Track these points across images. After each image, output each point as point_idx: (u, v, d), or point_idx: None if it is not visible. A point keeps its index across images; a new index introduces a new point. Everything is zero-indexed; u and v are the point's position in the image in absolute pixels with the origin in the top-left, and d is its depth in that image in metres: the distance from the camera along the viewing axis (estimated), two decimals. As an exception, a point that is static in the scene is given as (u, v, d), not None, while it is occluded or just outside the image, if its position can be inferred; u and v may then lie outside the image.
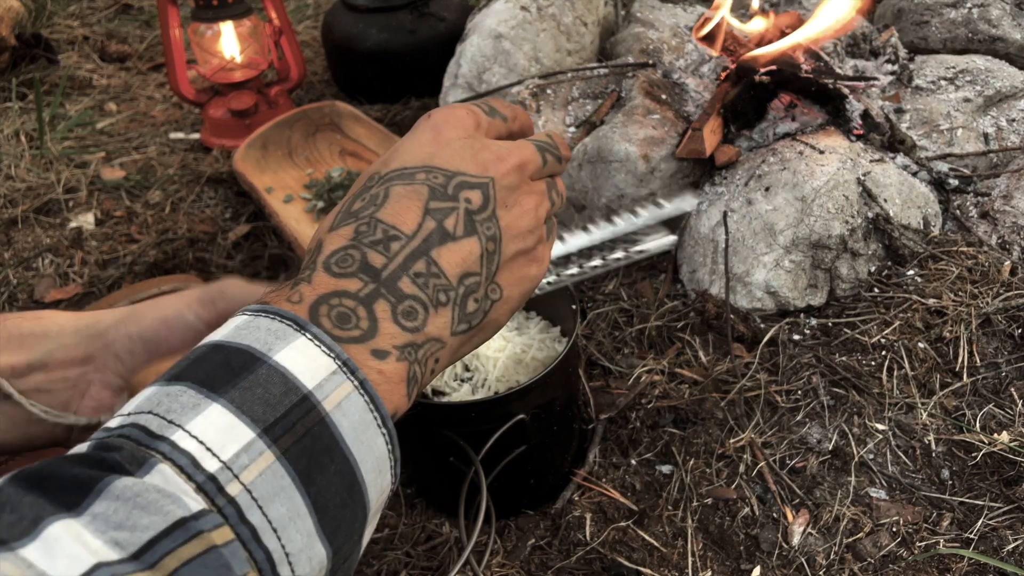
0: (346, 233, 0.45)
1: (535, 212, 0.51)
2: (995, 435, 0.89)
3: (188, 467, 0.34)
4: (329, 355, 0.39)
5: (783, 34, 1.27)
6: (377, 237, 0.45)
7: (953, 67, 1.31)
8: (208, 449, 0.34)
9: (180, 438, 0.34)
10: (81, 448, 0.35)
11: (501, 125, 0.54)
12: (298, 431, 0.36)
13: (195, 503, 0.33)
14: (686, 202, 0.70)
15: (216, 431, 0.35)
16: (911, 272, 1.07)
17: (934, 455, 0.89)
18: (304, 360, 0.38)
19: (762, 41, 1.23)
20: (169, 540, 0.31)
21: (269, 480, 0.35)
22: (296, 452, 0.36)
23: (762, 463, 0.89)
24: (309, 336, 0.39)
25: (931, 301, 1.02)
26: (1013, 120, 1.26)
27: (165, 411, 0.35)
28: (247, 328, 0.39)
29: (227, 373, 0.37)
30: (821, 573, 0.80)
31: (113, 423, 0.36)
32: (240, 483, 0.34)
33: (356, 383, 0.39)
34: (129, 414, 0.36)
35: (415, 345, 0.44)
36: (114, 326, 0.54)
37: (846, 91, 1.20)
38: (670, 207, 0.69)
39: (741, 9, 1.48)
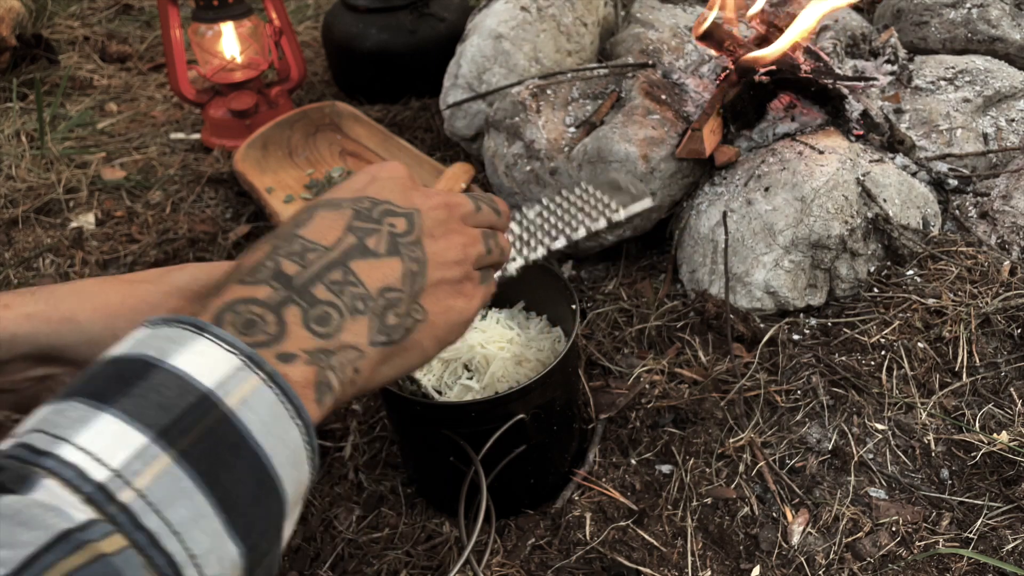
0: (264, 250, 0.45)
1: (464, 249, 0.52)
2: (994, 435, 0.89)
3: (74, 479, 0.33)
4: (232, 352, 0.38)
5: (780, 32, 1.27)
6: (294, 249, 0.45)
7: (952, 67, 1.31)
8: (96, 459, 0.33)
9: (66, 452, 0.33)
10: None
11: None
12: (198, 431, 0.36)
13: (81, 514, 0.32)
14: (641, 203, 0.71)
15: (105, 440, 0.34)
16: (911, 272, 1.07)
17: (933, 455, 0.89)
18: (203, 360, 0.38)
19: (762, 42, 1.23)
20: (51, 554, 0.30)
21: (167, 483, 0.34)
22: (196, 453, 0.35)
23: (762, 463, 0.90)
24: (209, 336, 0.38)
25: (931, 301, 1.02)
26: (1012, 120, 1.26)
27: (51, 427, 0.34)
28: (145, 339, 0.39)
29: (119, 383, 0.36)
30: (821, 573, 0.80)
31: (3, 446, 0.35)
32: (133, 489, 0.33)
33: (264, 376, 0.38)
34: (19, 435, 0.35)
35: (327, 351, 0.43)
36: (99, 332, 0.52)
37: (846, 91, 1.20)
38: (624, 213, 0.69)
39: (741, 10, 1.49)
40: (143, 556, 0.32)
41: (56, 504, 0.32)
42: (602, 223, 0.68)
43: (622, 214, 0.69)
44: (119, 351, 0.38)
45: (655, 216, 1.19)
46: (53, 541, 0.30)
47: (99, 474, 0.33)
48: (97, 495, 0.32)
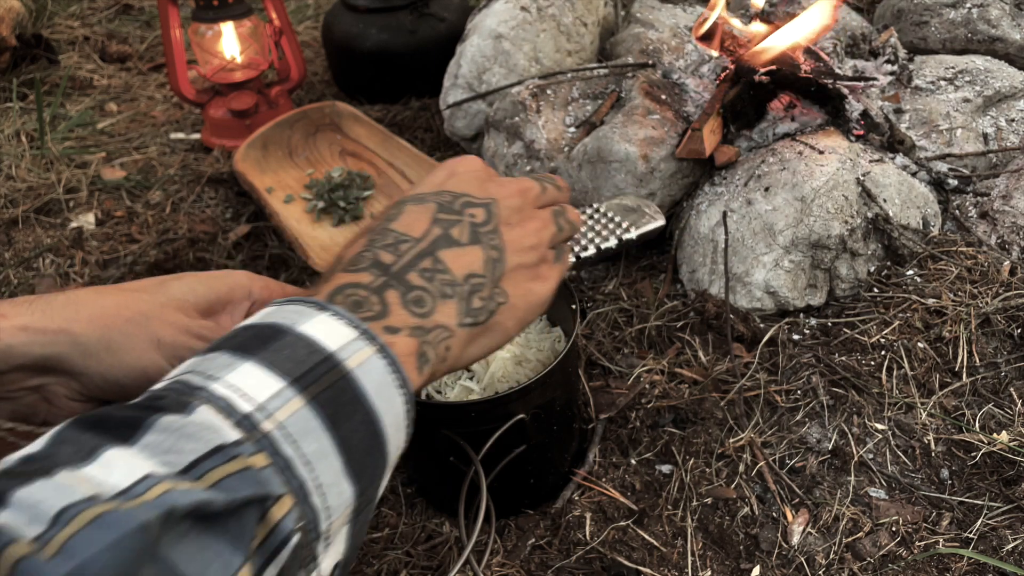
0: (361, 243, 0.51)
1: (538, 234, 0.56)
2: (994, 435, 0.89)
3: (225, 408, 0.38)
4: (350, 326, 0.44)
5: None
6: (388, 241, 0.50)
7: (952, 67, 1.31)
8: (243, 394, 0.39)
9: (217, 387, 0.39)
10: (133, 400, 0.39)
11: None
12: (324, 383, 0.41)
13: (233, 434, 0.37)
14: (653, 224, 0.72)
15: (249, 382, 0.39)
16: (910, 272, 1.07)
17: (933, 455, 0.89)
18: (326, 329, 0.43)
19: (761, 41, 1.23)
20: (211, 460, 0.35)
21: (300, 421, 0.39)
22: (323, 399, 0.40)
23: (762, 463, 0.90)
24: (331, 312, 0.44)
25: (931, 301, 1.02)
26: (1012, 120, 1.26)
27: (203, 369, 0.40)
28: (275, 312, 0.44)
29: (257, 341, 0.42)
30: (821, 573, 0.80)
31: (158, 385, 0.40)
32: (273, 421, 0.38)
33: (376, 348, 0.44)
34: (172, 377, 0.41)
35: (424, 328, 0.48)
36: (94, 344, 0.52)
37: (846, 91, 1.20)
38: (635, 232, 0.71)
39: (741, 9, 1.49)
40: (282, 475, 0.37)
41: (212, 424, 0.37)
42: (613, 242, 0.70)
43: (634, 234, 0.71)
44: (251, 321, 0.44)
45: (655, 216, 1.19)
46: (211, 451, 0.36)
47: (246, 406, 0.38)
48: (244, 422, 0.38)
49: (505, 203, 0.55)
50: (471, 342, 0.52)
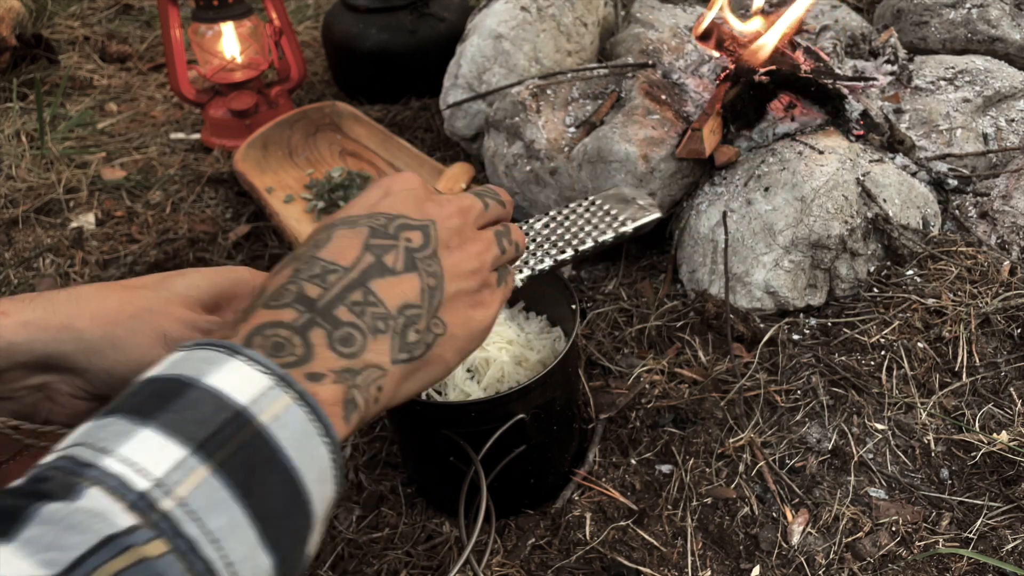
0: (285, 273, 0.46)
1: (479, 256, 0.53)
2: (994, 435, 0.89)
3: (118, 487, 0.34)
4: (264, 372, 0.40)
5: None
6: (315, 272, 0.46)
7: (952, 67, 1.31)
8: (138, 469, 0.35)
9: (109, 463, 0.35)
10: (15, 483, 0.35)
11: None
12: (233, 445, 0.37)
13: (125, 520, 0.33)
14: (650, 216, 0.71)
15: (146, 452, 0.35)
16: (910, 272, 1.07)
17: (933, 455, 0.89)
18: (237, 379, 0.39)
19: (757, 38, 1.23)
20: (97, 556, 0.32)
21: (205, 493, 0.35)
22: (232, 465, 0.36)
23: (762, 463, 0.90)
24: (243, 358, 0.40)
25: (930, 301, 1.02)
26: (1012, 120, 1.26)
27: (95, 440, 0.36)
28: (180, 361, 0.40)
29: (157, 400, 0.38)
30: (820, 572, 0.80)
31: (47, 459, 0.36)
32: (173, 498, 0.34)
33: (295, 394, 0.40)
34: (61, 449, 0.36)
35: (352, 371, 0.44)
36: (98, 341, 0.52)
37: (846, 91, 1.20)
38: (632, 226, 0.70)
39: (742, 9, 1.49)
40: (183, 561, 0.34)
41: (101, 510, 0.33)
42: (610, 236, 0.69)
43: (630, 227, 0.69)
44: (155, 372, 0.40)
45: (655, 216, 1.19)
46: (99, 544, 0.32)
47: (141, 483, 0.34)
48: (140, 503, 0.34)
49: (444, 224, 0.52)
50: (407, 378, 0.49)
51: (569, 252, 0.67)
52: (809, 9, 1.20)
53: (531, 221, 0.69)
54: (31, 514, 0.32)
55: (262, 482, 0.37)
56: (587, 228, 0.69)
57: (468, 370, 0.88)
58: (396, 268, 0.48)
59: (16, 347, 0.49)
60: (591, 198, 0.72)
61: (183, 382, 0.39)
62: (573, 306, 0.85)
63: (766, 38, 1.15)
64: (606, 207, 0.71)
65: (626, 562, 0.82)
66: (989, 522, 0.82)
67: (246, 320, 0.44)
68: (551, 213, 0.70)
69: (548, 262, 0.66)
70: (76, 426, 0.53)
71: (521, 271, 0.65)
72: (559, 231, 0.69)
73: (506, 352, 0.87)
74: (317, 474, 0.40)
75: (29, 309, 0.50)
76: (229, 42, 1.60)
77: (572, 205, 0.71)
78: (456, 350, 0.51)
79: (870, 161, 1.13)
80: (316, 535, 0.41)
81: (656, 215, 0.71)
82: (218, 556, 0.35)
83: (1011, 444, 0.88)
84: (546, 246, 0.68)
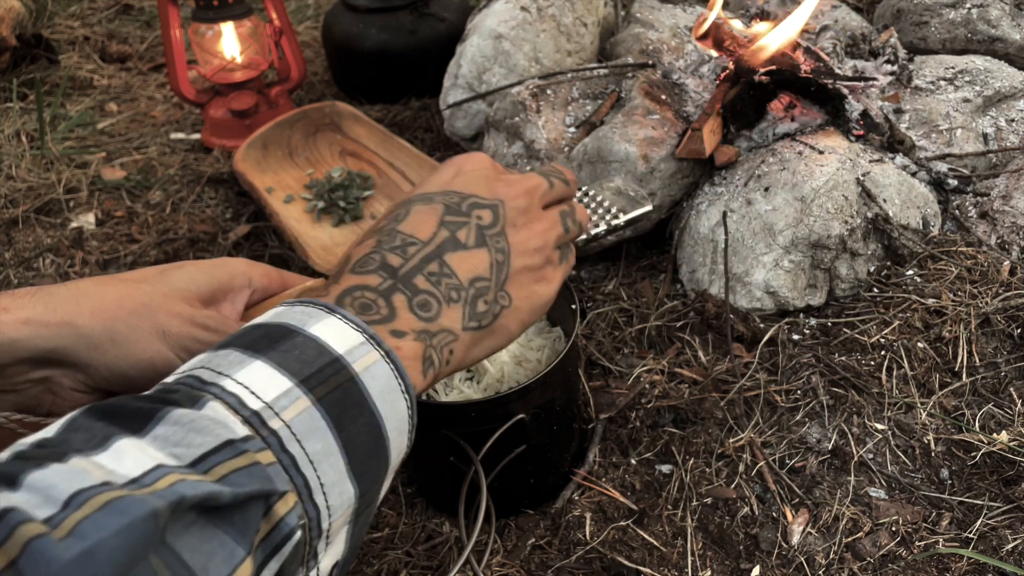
0: (369, 243, 0.51)
1: (543, 235, 0.56)
2: (994, 435, 0.89)
3: (235, 404, 0.39)
4: (357, 330, 0.44)
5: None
6: (396, 244, 0.51)
7: (952, 67, 1.31)
8: (252, 392, 0.39)
9: (228, 384, 0.40)
10: (146, 392, 0.40)
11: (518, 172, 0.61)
12: (331, 384, 0.41)
13: (242, 430, 0.38)
14: (641, 209, 0.71)
15: (259, 380, 0.40)
16: (910, 272, 1.07)
17: (933, 455, 0.89)
18: (335, 333, 0.44)
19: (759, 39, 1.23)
20: (219, 455, 0.36)
21: (306, 420, 0.40)
22: (329, 401, 0.41)
23: (762, 463, 0.90)
24: (339, 316, 0.45)
25: (930, 301, 1.02)
26: (1012, 120, 1.26)
27: (215, 366, 0.41)
28: (284, 313, 0.45)
29: (268, 340, 0.43)
30: (820, 572, 0.80)
31: (169, 379, 0.41)
32: (281, 419, 0.39)
33: (382, 353, 0.44)
34: (184, 371, 0.41)
35: (429, 332, 0.49)
36: (98, 336, 0.52)
37: (845, 91, 1.20)
38: (624, 218, 0.70)
39: (742, 9, 1.49)
40: (287, 473, 0.38)
41: (222, 419, 0.38)
42: (602, 228, 0.69)
43: (622, 219, 0.70)
44: (262, 320, 0.45)
45: (655, 216, 1.19)
46: (220, 446, 0.36)
47: (254, 403, 0.39)
48: (253, 419, 0.39)
49: (512, 204, 0.55)
50: (475, 345, 0.53)
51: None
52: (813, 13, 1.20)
53: None
54: (162, 416, 0.37)
55: (353, 420, 0.42)
56: None
57: (468, 371, 0.88)
58: (468, 243, 0.52)
59: (18, 343, 0.50)
60: (584, 188, 0.72)
61: (289, 328, 0.43)
62: (573, 306, 0.85)
63: (768, 40, 1.15)
64: (599, 198, 0.71)
65: (626, 562, 0.82)
66: (989, 522, 0.82)
67: (337, 282, 0.49)
68: None
69: None
70: None
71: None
72: None
73: (506, 352, 0.87)
74: (396, 423, 0.44)
75: (30, 305, 0.51)
76: (229, 42, 1.60)
77: (585, 211, 0.71)
78: (519, 321, 0.55)
79: (870, 161, 1.13)
80: (388, 481, 0.45)
81: (647, 208, 0.71)
82: (314, 475, 0.39)
83: (1011, 444, 0.88)
84: None
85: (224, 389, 0.39)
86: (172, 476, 0.34)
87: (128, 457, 0.34)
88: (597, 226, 0.69)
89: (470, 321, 0.51)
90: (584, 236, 0.68)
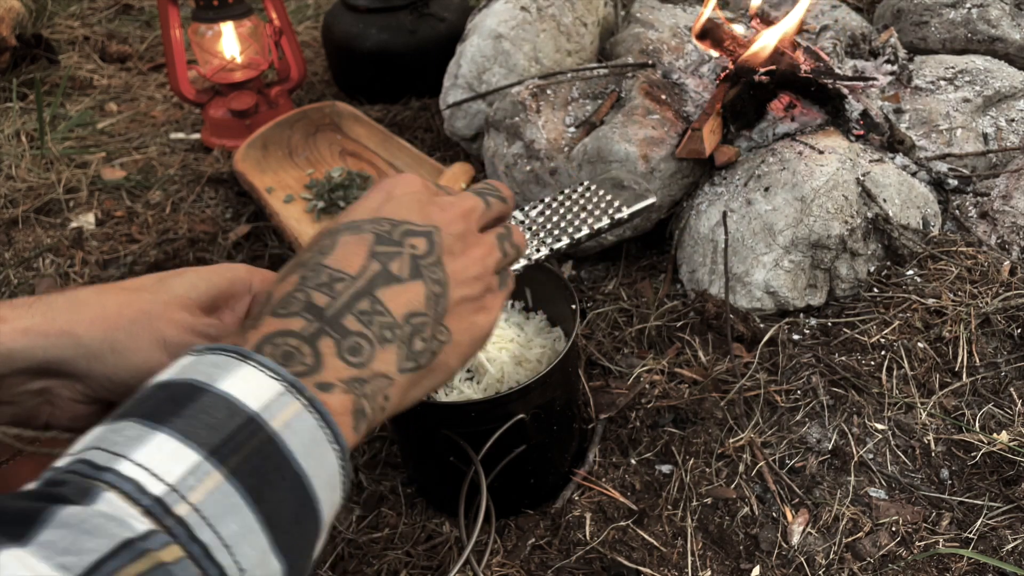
0: (292, 280, 0.46)
1: (482, 261, 0.53)
2: (994, 435, 0.89)
3: (133, 492, 0.34)
4: (275, 378, 0.40)
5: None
6: (322, 280, 0.46)
7: (952, 67, 1.31)
8: (153, 474, 0.35)
9: (125, 467, 0.35)
10: (30, 486, 0.35)
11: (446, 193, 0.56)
12: (245, 451, 0.37)
13: (142, 525, 0.33)
14: (645, 201, 0.70)
15: (161, 457, 0.36)
16: (910, 272, 1.07)
17: (933, 455, 0.89)
18: (248, 386, 0.39)
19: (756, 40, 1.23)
20: (115, 560, 0.32)
21: (218, 499, 0.36)
22: (245, 471, 0.37)
23: (762, 463, 0.90)
24: (254, 363, 0.40)
25: (930, 301, 1.02)
26: (1012, 120, 1.26)
27: (110, 445, 0.36)
28: (192, 365, 0.40)
29: (171, 405, 0.38)
30: (820, 573, 0.80)
31: (60, 463, 0.36)
32: (188, 503, 0.35)
33: (304, 402, 0.40)
34: (76, 452, 0.37)
35: (361, 380, 0.44)
36: (98, 346, 0.51)
37: (846, 91, 1.20)
38: (627, 211, 0.69)
39: (741, 9, 1.49)
40: (197, 567, 0.34)
41: (118, 515, 0.33)
42: (605, 222, 0.68)
43: (625, 212, 0.69)
44: (166, 376, 0.40)
45: (655, 216, 1.19)
46: (116, 548, 0.32)
47: (156, 488, 0.35)
48: (155, 508, 0.34)
49: (448, 230, 0.51)
50: (412, 386, 0.49)
51: (565, 240, 0.67)
52: (809, 10, 1.20)
53: (526, 208, 0.69)
54: (48, 517, 0.32)
55: (273, 488, 0.38)
56: (582, 215, 0.68)
57: (468, 371, 0.88)
58: (402, 276, 0.48)
59: (15, 353, 0.49)
60: (586, 183, 0.71)
61: (195, 387, 0.39)
62: (573, 306, 0.85)
63: (765, 39, 1.15)
64: (600, 192, 0.70)
65: (626, 562, 0.82)
66: (989, 522, 0.82)
67: (256, 327, 0.44)
68: (546, 200, 0.70)
69: (544, 251, 0.66)
70: (78, 430, 0.53)
71: (518, 260, 0.64)
72: (554, 218, 0.68)
73: (506, 352, 0.87)
74: (326, 480, 0.40)
75: (28, 315, 0.50)
76: (229, 42, 1.60)
77: (567, 191, 0.70)
78: (460, 356, 0.52)
79: (870, 161, 1.13)
80: (320, 543, 0.42)
81: (651, 200, 0.70)
82: (231, 562, 0.35)
83: (1011, 444, 0.88)
84: (542, 234, 0.67)
85: (120, 475, 0.35)
86: None
87: (8, 574, 0.30)
88: (600, 220, 0.68)
89: (407, 362, 0.47)
90: (587, 231, 0.67)
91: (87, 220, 1.45)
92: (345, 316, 0.45)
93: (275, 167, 1.46)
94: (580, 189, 0.71)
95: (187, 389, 0.39)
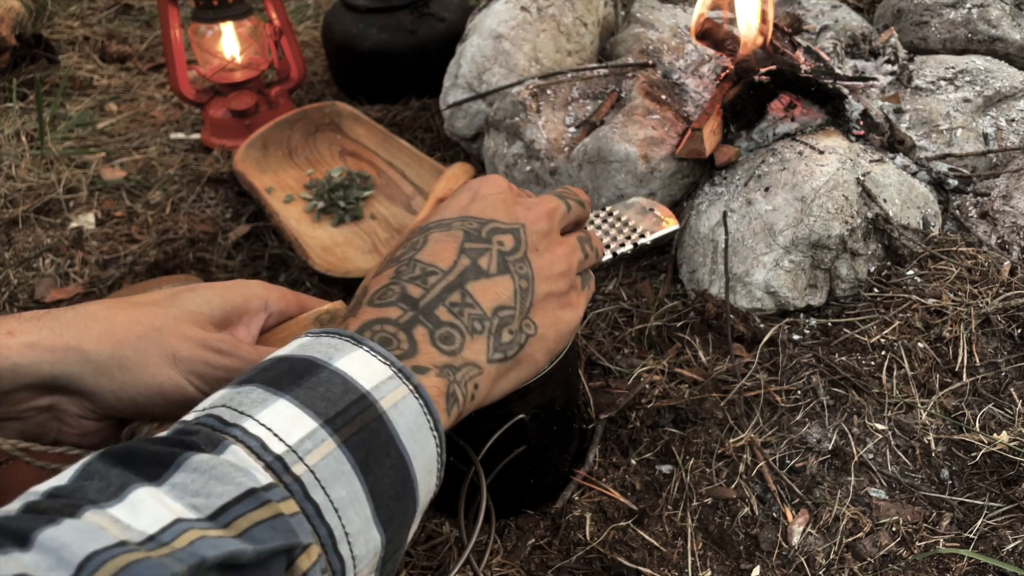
0: (388, 274, 0.50)
1: (566, 259, 0.55)
2: (995, 435, 0.89)
3: (257, 448, 0.37)
4: (385, 363, 0.43)
5: (781, 31, 1.27)
6: (416, 274, 0.49)
7: (953, 67, 1.31)
8: (275, 435, 0.38)
9: (250, 425, 0.38)
10: (163, 433, 0.38)
11: (532, 193, 0.59)
12: (357, 424, 0.40)
13: (264, 478, 0.36)
14: (668, 229, 0.71)
15: (282, 421, 0.38)
16: (911, 272, 1.07)
17: (934, 455, 0.89)
18: (361, 367, 0.42)
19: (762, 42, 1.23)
20: (241, 506, 0.34)
21: (331, 464, 0.38)
22: (355, 442, 0.39)
23: (762, 463, 0.90)
24: (366, 348, 0.43)
25: (931, 301, 1.02)
26: (1013, 120, 1.26)
27: (237, 405, 0.39)
28: (309, 344, 0.43)
29: (292, 376, 0.41)
30: (821, 573, 0.80)
31: (189, 417, 0.40)
32: (305, 464, 0.37)
33: (411, 388, 0.43)
34: (204, 409, 0.40)
35: (453, 367, 0.47)
36: (106, 362, 0.51)
37: (846, 91, 1.20)
38: (651, 237, 0.70)
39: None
40: (309, 524, 0.37)
41: (244, 466, 0.36)
42: (628, 247, 0.69)
43: (648, 239, 0.69)
44: (286, 352, 0.43)
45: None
46: (242, 495, 0.35)
47: (278, 447, 0.38)
48: (276, 464, 0.37)
49: (533, 228, 0.53)
50: (500, 377, 0.51)
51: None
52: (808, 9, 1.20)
53: None
54: (180, 462, 0.35)
55: (379, 463, 0.40)
56: (605, 240, 0.69)
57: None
58: (490, 271, 0.50)
59: (22, 368, 0.48)
60: (608, 208, 0.72)
61: (314, 362, 0.41)
62: (573, 306, 0.85)
63: (743, 27, 1.15)
64: (624, 218, 0.71)
65: (626, 562, 0.82)
66: (989, 522, 0.82)
67: (355, 316, 0.47)
68: None
69: None
70: (88, 446, 0.53)
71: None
72: None
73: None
74: (424, 463, 0.42)
75: (35, 329, 0.49)
76: (229, 42, 1.60)
77: (591, 215, 0.71)
78: (546, 350, 0.53)
79: (870, 161, 1.13)
80: (415, 525, 0.44)
81: (674, 227, 0.71)
82: (339, 524, 0.37)
83: (1011, 444, 0.87)
84: None
85: (246, 431, 0.38)
86: (192, 533, 0.32)
87: (145, 510, 0.32)
88: (623, 245, 0.69)
89: (495, 353, 0.49)
90: (608, 257, 0.68)
91: (87, 220, 1.45)
92: (437, 307, 0.48)
93: (275, 167, 1.46)
94: (603, 214, 0.71)
95: (307, 364, 0.41)
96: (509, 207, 0.54)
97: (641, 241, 0.69)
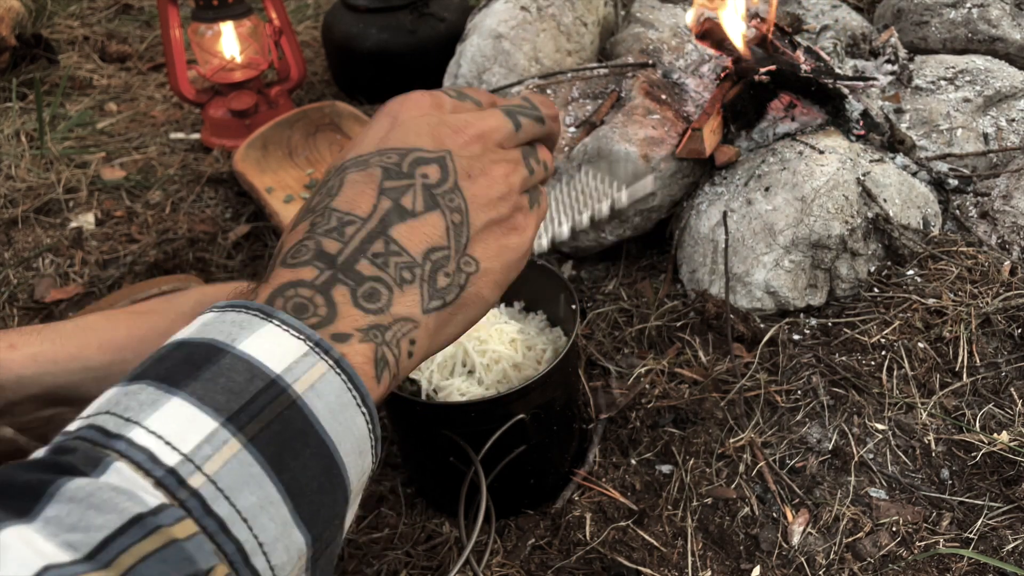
0: (302, 228, 0.44)
1: (505, 180, 0.48)
2: (995, 435, 0.89)
3: (145, 463, 0.32)
4: (299, 337, 0.37)
5: (782, 31, 1.27)
6: (332, 225, 0.43)
7: (953, 67, 1.31)
8: (167, 443, 0.33)
9: (137, 435, 0.33)
10: (38, 454, 0.33)
11: (472, 107, 0.51)
12: (265, 417, 0.35)
13: (153, 499, 0.31)
14: (643, 185, 0.70)
15: (176, 424, 0.33)
16: (911, 272, 1.07)
17: (934, 455, 0.89)
18: (271, 345, 0.37)
19: (761, 42, 1.23)
20: (124, 537, 0.30)
21: (236, 469, 0.34)
22: (264, 438, 0.35)
23: (762, 463, 0.90)
24: (277, 322, 0.38)
25: (931, 301, 1.02)
26: (1013, 120, 1.26)
27: (123, 410, 0.34)
28: (212, 323, 0.38)
29: (188, 367, 0.36)
30: (821, 573, 0.80)
31: (71, 427, 0.34)
32: (203, 474, 0.33)
33: (331, 362, 0.38)
34: (87, 416, 0.35)
35: (380, 327, 0.41)
36: (107, 369, 0.50)
37: (846, 91, 1.20)
38: (626, 194, 0.69)
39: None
40: (212, 543, 0.32)
41: (128, 488, 0.31)
42: (606, 207, 0.67)
43: (624, 197, 0.68)
44: (185, 335, 0.38)
45: (655, 216, 1.18)
46: (126, 525, 0.30)
47: (170, 458, 0.33)
48: (168, 479, 0.32)
49: (462, 153, 0.47)
50: (444, 326, 0.45)
51: (566, 227, 0.66)
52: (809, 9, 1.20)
53: None
54: (54, 491, 0.30)
55: (296, 456, 0.35)
56: (583, 199, 0.67)
57: (469, 371, 0.88)
58: (416, 209, 0.44)
59: (26, 380, 0.48)
60: (584, 169, 0.71)
61: (215, 347, 0.36)
62: (573, 306, 0.85)
63: (728, 26, 1.15)
64: (599, 176, 0.70)
65: (626, 562, 0.82)
66: (989, 522, 0.82)
67: (268, 281, 0.41)
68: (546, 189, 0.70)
69: (545, 240, 0.66)
70: None
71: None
72: (555, 206, 0.68)
73: (505, 352, 0.87)
74: (353, 444, 0.38)
75: (37, 342, 0.49)
76: (229, 42, 1.60)
77: (566, 179, 0.70)
78: (493, 284, 0.47)
79: (870, 161, 1.12)
80: (351, 510, 0.39)
81: (648, 182, 0.70)
82: (250, 535, 0.33)
83: (1011, 444, 0.87)
84: (543, 223, 0.67)
85: (132, 443, 0.32)
86: None
87: (10, 558, 0.28)
88: (600, 204, 0.67)
89: (432, 301, 0.44)
90: (587, 218, 0.67)
91: (87, 220, 1.45)
92: (358, 261, 0.42)
93: (275, 167, 1.46)
94: (579, 176, 0.70)
95: (206, 350, 0.36)
96: (434, 130, 0.47)
97: (618, 198, 0.67)
